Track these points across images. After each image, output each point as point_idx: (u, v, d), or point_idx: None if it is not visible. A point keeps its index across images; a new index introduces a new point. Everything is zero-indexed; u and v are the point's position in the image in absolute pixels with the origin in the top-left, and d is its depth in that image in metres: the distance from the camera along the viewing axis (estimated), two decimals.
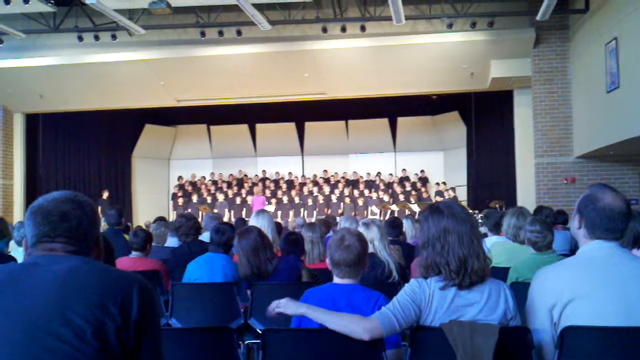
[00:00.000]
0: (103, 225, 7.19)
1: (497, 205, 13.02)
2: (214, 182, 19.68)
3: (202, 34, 12.83)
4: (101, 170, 18.68)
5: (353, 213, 16.02)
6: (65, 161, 17.67)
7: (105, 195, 16.82)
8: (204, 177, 20.03)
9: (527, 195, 12.89)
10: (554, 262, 2.36)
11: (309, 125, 20.29)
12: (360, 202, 17.31)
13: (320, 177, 19.37)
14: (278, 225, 7.09)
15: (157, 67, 13.96)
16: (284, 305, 2.35)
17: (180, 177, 19.98)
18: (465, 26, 12.38)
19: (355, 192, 18.08)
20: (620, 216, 2.20)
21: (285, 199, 17.71)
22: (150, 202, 19.70)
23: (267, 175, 19.88)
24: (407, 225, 6.78)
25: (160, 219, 7.34)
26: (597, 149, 11.08)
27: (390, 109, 18.84)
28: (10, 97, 15.20)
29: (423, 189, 18.03)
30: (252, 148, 20.81)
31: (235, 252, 4.05)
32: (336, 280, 2.68)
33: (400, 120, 19.79)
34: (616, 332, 2.08)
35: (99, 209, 14.43)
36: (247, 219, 9.74)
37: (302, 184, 19.09)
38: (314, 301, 2.59)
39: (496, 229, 5.37)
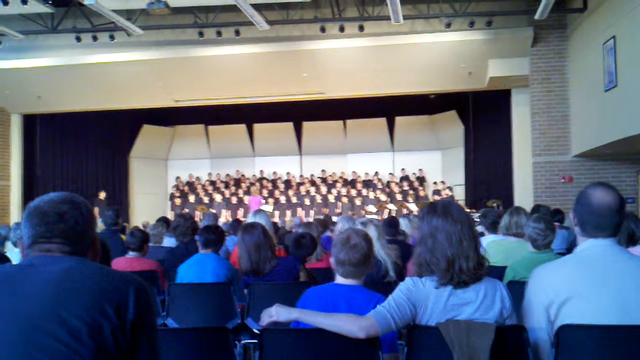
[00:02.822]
0: (100, 226, 7.18)
1: (494, 204, 13.03)
2: (212, 182, 19.68)
3: (201, 34, 12.82)
4: (99, 171, 18.66)
5: (351, 213, 16.03)
6: (63, 162, 17.64)
7: (103, 195, 16.81)
8: (198, 178, 20.03)
9: (524, 194, 12.88)
10: (551, 261, 2.36)
11: (306, 125, 20.29)
12: (357, 201, 17.31)
13: (318, 177, 19.38)
14: (275, 225, 7.11)
15: (155, 68, 13.95)
16: (276, 313, 2.32)
17: (178, 178, 19.97)
18: (464, 25, 12.38)
19: (353, 192, 18.09)
20: (608, 212, 2.18)
21: (282, 198, 17.72)
22: (147, 203, 19.70)
23: (265, 175, 19.88)
24: (404, 225, 6.78)
25: (163, 220, 7.30)
26: (594, 147, 11.09)
27: (388, 108, 18.85)
28: (7, 97, 15.18)
29: (420, 188, 18.05)
30: (250, 148, 20.81)
31: (237, 245, 4.10)
32: (338, 280, 2.66)
33: (398, 119, 19.80)
34: (613, 330, 2.08)
35: (96, 209, 14.56)
36: (243, 219, 9.74)
37: (300, 184, 19.09)
38: (314, 300, 2.58)
39: (493, 228, 5.37)
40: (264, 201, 17.25)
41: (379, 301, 2.48)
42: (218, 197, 17.85)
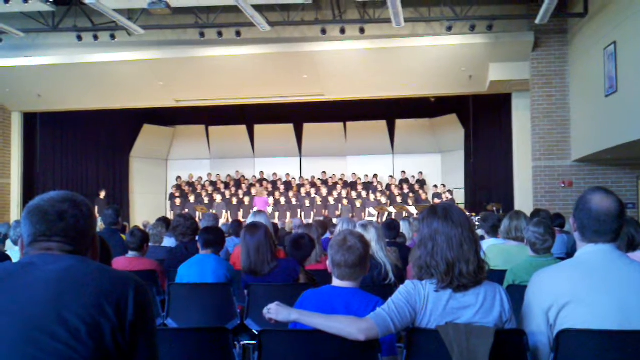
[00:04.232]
0: (100, 225, 7.18)
1: (494, 208, 13.02)
2: (212, 183, 19.68)
3: (202, 34, 12.82)
4: (99, 170, 18.68)
5: (350, 215, 16.03)
6: (63, 160, 17.65)
7: (103, 194, 16.82)
8: (200, 178, 20.05)
9: (524, 199, 12.88)
10: (550, 265, 2.36)
11: (307, 127, 20.31)
12: (358, 203, 17.31)
13: (318, 179, 19.38)
14: (275, 226, 7.10)
15: (156, 68, 13.95)
16: (275, 312, 2.32)
17: (178, 178, 19.97)
18: (465, 29, 12.38)
19: (353, 194, 18.09)
20: (607, 218, 2.18)
21: (282, 200, 17.72)
22: (147, 202, 19.72)
23: (265, 177, 19.88)
24: (404, 228, 6.78)
25: (163, 220, 7.28)
26: (594, 152, 11.09)
27: (389, 111, 18.87)
28: (8, 96, 15.18)
29: (421, 191, 18.04)
30: (250, 149, 20.82)
31: (238, 246, 4.11)
32: (335, 282, 2.64)
33: (399, 122, 19.83)
34: (612, 335, 2.08)
35: (96, 208, 14.55)
36: (244, 220, 9.74)
37: (300, 186, 19.10)
38: (311, 303, 2.57)
39: (493, 231, 5.37)
40: (271, 201, 17.26)
41: (377, 304, 2.47)
42: (218, 198, 17.84)
